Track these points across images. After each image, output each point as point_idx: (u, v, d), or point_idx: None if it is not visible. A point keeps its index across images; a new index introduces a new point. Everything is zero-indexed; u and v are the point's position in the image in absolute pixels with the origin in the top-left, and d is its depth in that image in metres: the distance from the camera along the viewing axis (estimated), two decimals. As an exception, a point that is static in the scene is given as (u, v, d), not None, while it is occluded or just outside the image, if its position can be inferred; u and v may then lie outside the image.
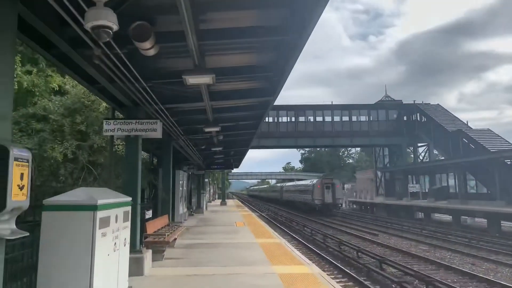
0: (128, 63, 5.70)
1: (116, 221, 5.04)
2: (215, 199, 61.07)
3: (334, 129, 40.22)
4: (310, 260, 10.59)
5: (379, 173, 43.61)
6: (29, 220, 4.75)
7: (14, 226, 3.32)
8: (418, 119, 39.31)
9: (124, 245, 5.44)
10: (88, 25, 3.82)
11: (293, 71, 7.58)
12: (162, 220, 11.61)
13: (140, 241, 7.90)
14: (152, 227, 9.75)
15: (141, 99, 7.54)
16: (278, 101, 12.79)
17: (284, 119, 40.53)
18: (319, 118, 40.84)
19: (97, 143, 12.34)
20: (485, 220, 22.31)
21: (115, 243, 5.01)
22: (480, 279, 10.16)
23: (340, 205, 37.27)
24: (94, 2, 3.78)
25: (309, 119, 40.87)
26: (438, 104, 41.32)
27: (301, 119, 40.65)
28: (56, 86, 12.63)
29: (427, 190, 34.04)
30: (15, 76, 9.47)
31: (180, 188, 17.98)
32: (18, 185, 3.19)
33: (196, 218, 22.58)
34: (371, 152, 54.14)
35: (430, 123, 36.27)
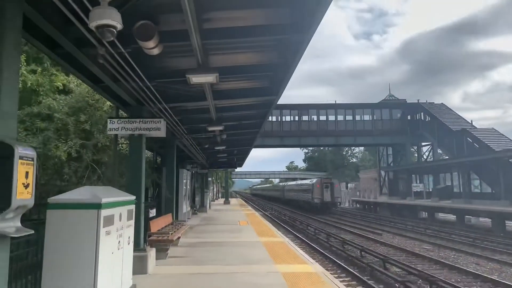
0: (132, 62, 5.71)
1: (120, 219, 5.06)
2: (219, 198, 61.17)
3: (337, 128, 40.11)
4: (313, 259, 10.58)
5: (382, 173, 43.47)
6: (34, 218, 4.78)
7: (19, 224, 3.34)
8: (422, 118, 39.12)
9: (128, 243, 5.46)
10: (92, 24, 3.84)
11: (296, 70, 7.57)
12: (166, 219, 11.65)
13: (144, 239, 7.94)
14: (156, 225, 9.79)
15: (145, 98, 7.55)
16: (282, 100, 12.79)
17: (288, 118, 40.44)
18: (322, 117, 40.71)
19: (101, 142, 12.39)
20: (490, 219, 22.21)
21: (119, 241, 5.03)
22: (485, 279, 10.11)
23: (338, 203, 38.98)
24: (98, 2, 3.80)
25: (313, 118, 40.75)
26: (442, 103, 41.09)
27: (305, 118, 40.53)
28: (61, 85, 12.68)
29: (431, 190, 33.92)
30: (20, 75, 9.50)
31: (184, 187, 18.01)
32: (23, 184, 3.21)
33: (200, 217, 22.64)
34: (375, 151, 53.94)
35: (434, 122, 36.09)
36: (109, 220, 4.61)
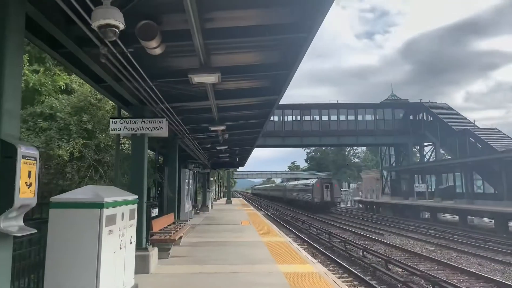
0: (134, 62, 5.72)
1: (123, 219, 5.07)
2: (221, 197, 61.19)
3: (339, 128, 40.04)
4: (315, 259, 10.58)
5: (385, 173, 43.42)
6: (37, 217, 4.79)
7: (22, 223, 3.36)
8: (425, 118, 38.98)
9: (130, 242, 5.47)
10: (95, 24, 3.84)
11: (298, 69, 7.56)
12: (168, 218, 11.65)
13: (146, 239, 7.94)
14: (158, 225, 9.79)
15: (147, 98, 7.56)
16: (284, 100, 12.78)
17: (290, 118, 40.40)
18: (324, 117, 40.64)
19: (103, 142, 12.42)
20: (492, 220, 22.13)
21: (121, 241, 5.04)
22: (487, 280, 10.09)
23: (337, 203, 40.82)
24: (100, 1, 3.80)
25: (315, 118, 40.68)
26: (444, 103, 40.96)
27: (307, 118, 40.46)
28: (63, 84, 12.71)
29: (433, 190, 33.84)
30: (22, 75, 9.54)
31: (186, 187, 18.02)
32: (26, 183, 3.22)
33: (202, 216, 22.64)
34: (377, 151, 53.87)
35: (437, 122, 35.98)
36: (111, 220, 4.62)
